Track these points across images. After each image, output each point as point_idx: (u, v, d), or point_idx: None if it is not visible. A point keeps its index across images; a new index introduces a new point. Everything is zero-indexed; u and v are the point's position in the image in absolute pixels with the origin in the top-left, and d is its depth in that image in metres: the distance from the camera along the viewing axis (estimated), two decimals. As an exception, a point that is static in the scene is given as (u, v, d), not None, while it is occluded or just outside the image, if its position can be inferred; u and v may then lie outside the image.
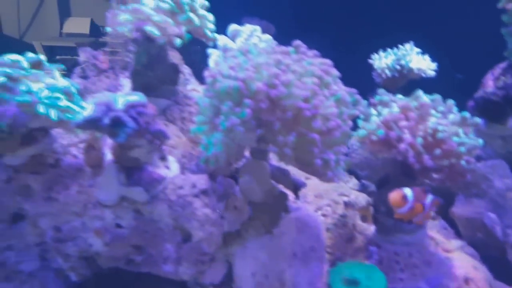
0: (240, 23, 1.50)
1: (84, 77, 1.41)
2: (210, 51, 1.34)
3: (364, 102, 0.94)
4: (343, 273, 0.87)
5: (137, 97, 0.84)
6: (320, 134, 0.81)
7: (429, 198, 0.85)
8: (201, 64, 1.36)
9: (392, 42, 1.44)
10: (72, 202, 0.96)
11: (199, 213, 0.89)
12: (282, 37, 1.48)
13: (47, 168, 0.98)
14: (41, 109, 0.86)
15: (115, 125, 0.82)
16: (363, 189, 1.20)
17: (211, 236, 0.90)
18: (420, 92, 0.88)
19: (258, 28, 1.31)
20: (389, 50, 1.37)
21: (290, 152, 0.81)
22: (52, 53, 2.28)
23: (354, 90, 0.88)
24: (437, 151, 0.81)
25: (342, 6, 1.86)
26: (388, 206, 0.97)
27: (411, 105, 0.85)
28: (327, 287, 0.90)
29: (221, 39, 1.32)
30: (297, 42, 0.90)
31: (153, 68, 1.12)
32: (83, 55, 1.44)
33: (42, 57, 0.93)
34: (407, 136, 0.83)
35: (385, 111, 0.92)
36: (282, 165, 1.16)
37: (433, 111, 0.86)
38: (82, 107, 0.92)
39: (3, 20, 2.36)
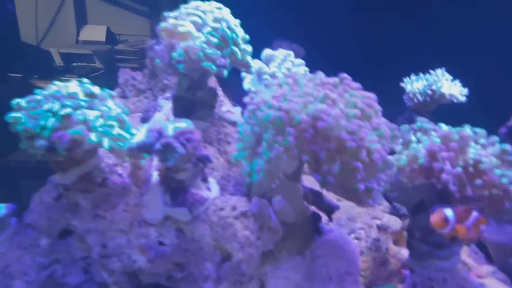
0: (271, 46, 1.55)
1: (124, 97, 1.47)
2: (243, 74, 1.39)
3: (406, 127, 0.97)
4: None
5: (185, 124, 0.89)
6: (363, 164, 0.84)
7: (473, 216, 0.85)
8: (234, 86, 1.41)
9: (423, 65, 1.47)
10: (118, 219, 1.01)
11: (240, 235, 0.93)
12: (312, 60, 1.53)
13: (95, 186, 1.04)
14: (94, 138, 0.91)
15: (166, 151, 0.86)
16: (394, 211, 1.21)
17: (250, 258, 0.94)
18: (466, 126, 0.91)
19: (291, 53, 1.36)
20: (420, 74, 1.40)
21: (333, 180, 0.85)
22: (69, 60, 2.36)
23: (395, 126, 0.91)
24: (478, 182, 0.83)
25: (372, 28, 1.90)
26: (423, 232, 1.00)
27: (453, 136, 0.87)
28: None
29: (255, 63, 1.36)
30: (343, 75, 0.94)
31: (194, 93, 1.17)
32: (123, 76, 1.51)
33: (96, 88, 0.99)
34: (448, 167, 0.85)
35: (424, 139, 0.94)
36: (315, 186, 1.20)
37: (472, 143, 0.89)
38: (132, 134, 0.98)
39: (21, 27, 2.39)
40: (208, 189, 0.99)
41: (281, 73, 1.30)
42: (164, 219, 0.97)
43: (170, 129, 0.88)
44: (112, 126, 0.96)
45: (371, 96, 0.94)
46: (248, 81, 1.34)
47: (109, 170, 1.07)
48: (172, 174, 0.92)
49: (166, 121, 0.91)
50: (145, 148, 0.89)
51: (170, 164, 0.87)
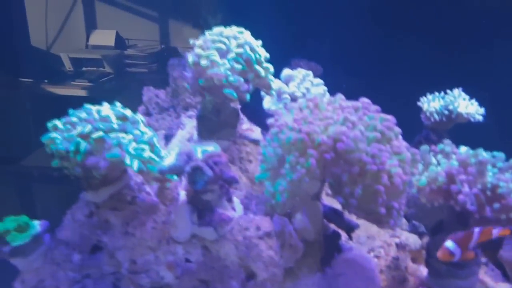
0: (289, 65, 1.59)
1: (148, 114, 1.53)
2: (263, 93, 1.44)
3: (426, 148, 1.00)
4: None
5: (213, 148, 0.94)
6: (385, 187, 0.87)
7: (474, 237, 0.87)
8: (254, 105, 1.45)
9: (439, 84, 1.49)
10: (147, 237, 1.05)
11: (264, 254, 0.96)
12: (329, 78, 1.57)
13: (125, 205, 1.09)
14: (128, 160, 0.97)
15: (195, 173, 0.91)
16: (413, 229, 1.24)
17: (274, 277, 0.97)
18: (481, 150, 0.93)
19: (310, 72, 1.40)
20: (436, 93, 1.42)
21: (355, 202, 0.88)
22: (78, 65, 2.38)
23: (415, 151, 0.94)
24: (496, 205, 0.85)
25: (389, 47, 1.94)
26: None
27: (470, 160, 0.90)
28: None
29: (275, 83, 1.41)
30: (363, 99, 0.98)
31: (218, 114, 1.22)
32: (147, 94, 1.57)
33: (128, 111, 1.05)
34: (466, 189, 0.88)
35: (443, 162, 0.97)
36: (335, 205, 1.23)
37: (490, 167, 0.91)
38: (161, 157, 1.02)
39: (31, 32, 2.40)
40: (233, 209, 1.03)
41: (300, 93, 1.34)
42: (191, 237, 1.02)
43: (199, 153, 0.92)
44: (143, 150, 1.01)
45: (390, 118, 0.97)
46: (268, 100, 1.39)
47: (137, 189, 1.12)
48: (199, 195, 0.97)
49: (195, 144, 0.95)
50: (175, 171, 0.93)
51: (200, 187, 0.92)
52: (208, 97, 1.17)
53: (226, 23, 1.41)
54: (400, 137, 0.94)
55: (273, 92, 1.22)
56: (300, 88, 1.35)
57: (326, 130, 0.91)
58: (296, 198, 0.95)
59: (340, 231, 1.17)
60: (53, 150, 0.99)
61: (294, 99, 1.34)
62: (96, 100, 1.08)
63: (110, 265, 1.10)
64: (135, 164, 0.98)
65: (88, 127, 0.98)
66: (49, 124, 1.02)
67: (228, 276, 0.99)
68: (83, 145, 0.95)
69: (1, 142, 2.27)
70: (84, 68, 2.38)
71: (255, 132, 1.38)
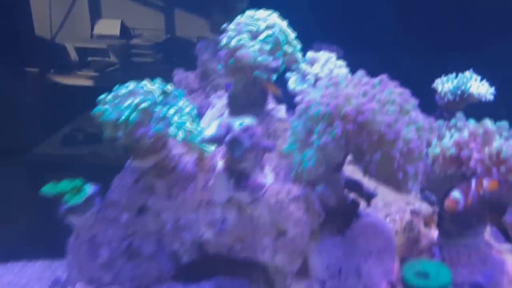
0: (311, 47, 1.69)
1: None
2: (288, 74, 1.55)
3: (440, 123, 1.12)
4: (415, 267, 1.04)
5: (249, 120, 1.06)
6: (401, 153, 0.99)
7: (472, 185, 0.98)
8: (279, 86, 1.56)
9: (453, 65, 1.59)
10: (188, 200, 1.19)
11: (294, 215, 1.09)
12: (350, 60, 1.66)
13: (167, 172, 1.23)
14: (172, 132, 1.10)
15: (234, 143, 1.04)
16: (425, 198, 1.35)
17: (302, 234, 1.11)
18: (487, 120, 1.04)
19: (333, 55, 1.51)
20: (449, 76, 1.52)
21: (375, 169, 1.00)
22: (84, 55, 2.37)
23: (432, 120, 1.05)
24: (502, 168, 0.97)
25: (405, 28, 2.02)
26: (453, 215, 1.14)
27: (479, 131, 1.01)
28: (398, 280, 1.08)
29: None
30: (382, 76, 1.09)
31: (248, 93, 1.34)
32: (177, 76, 1.70)
33: (169, 86, 1.17)
34: (476, 155, 1.00)
35: (456, 135, 1.08)
36: (355, 176, 1.35)
37: (497, 136, 1.02)
38: (200, 128, 1.15)
39: (35, 22, 2.34)
40: (265, 176, 1.15)
41: (323, 74, 1.45)
42: (227, 200, 1.15)
43: (237, 125, 1.05)
44: (185, 122, 1.14)
45: (406, 91, 1.08)
46: (292, 81, 1.50)
47: (178, 158, 1.25)
48: (236, 163, 1.09)
49: (233, 118, 1.08)
50: (215, 140, 1.06)
51: (237, 155, 1.05)
52: (239, 77, 1.29)
53: (252, 8, 1.52)
54: (417, 107, 1.05)
55: (302, 66, 1.32)
56: (324, 69, 1.46)
57: (349, 103, 1.02)
58: (321, 166, 1.07)
59: (359, 199, 1.29)
60: (103, 121, 1.12)
61: (317, 80, 1.45)
62: (102, 90, 1.16)
63: (154, 224, 1.24)
64: (180, 135, 1.11)
65: (136, 100, 1.11)
66: (98, 98, 1.15)
67: (261, 233, 1.13)
68: (133, 115, 1.08)
69: (8, 132, 2.29)
70: (89, 58, 2.37)
71: (281, 111, 1.50)
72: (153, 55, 2.44)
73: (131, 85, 1.17)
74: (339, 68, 1.48)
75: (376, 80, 1.10)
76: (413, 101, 1.07)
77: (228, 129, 1.05)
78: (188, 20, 2.57)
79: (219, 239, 1.16)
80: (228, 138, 1.04)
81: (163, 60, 2.48)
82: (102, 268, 1.21)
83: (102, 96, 1.14)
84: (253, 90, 1.34)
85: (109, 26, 2.45)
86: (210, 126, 1.11)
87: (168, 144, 1.23)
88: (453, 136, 1.12)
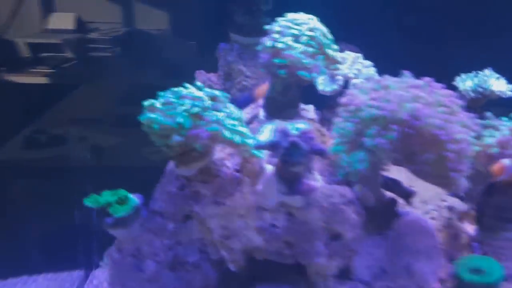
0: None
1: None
2: (314, 75, 1.56)
3: (487, 122, 1.16)
4: (467, 264, 1.09)
5: (303, 125, 1.07)
6: (453, 154, 1.02)
7: None
8: (306, 87, 1.56)
9: (470, 63, 1.64)
10: (236, 205, 1.18)
11: (350, 218, 1.11)
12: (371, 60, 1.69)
13: (212, 177, 1.21)
14: (227, 134, 1.09)
15: (292, 148, 1.04)
16: (456, 194, 1.40)
17: (357, 236, 1.13)
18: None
19: (359, 55, 1.53)
20: (469, 74, 1.58)
21: (427, 169, 1.03)
22: (37, 51, 2.19)
23: (476, 119, 1.09)
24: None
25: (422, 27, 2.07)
26: (495, 210, 1.19)
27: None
28: (449, 277, 1.12)
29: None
30: (427, 79, 1.11)
31: (285, 95, 1.34)
32: (199, 77, 1.67)
33: (217, 92, 1.15)
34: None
35: (497, 134, 1.13)
36: (392, 175, 1.38)
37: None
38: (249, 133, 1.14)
39: None
40: (315, 179, 1.16)
41: (352, 74, 1.47)
42: (278, 205, 1.15)
43: (293, 130, 1.05)
44: (236, 125, 1.13)
45: (452, 93, 1.12)
46: (321, 82, 1.51)
47: (220, 163, 1.24)
48: (290, 168, 1.09)
49: (286, 123, 1.08)
50: (272, 146, 1.06)
51: (293, 160, 1.05)
52: (279, 78, 1.28)
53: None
54: (461, 109, 1.09)
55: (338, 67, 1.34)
56: (352, 69, 1.47)
57: (402, 107, 1.04)
58: (372, 168, 1.09)
59: (397, 198, 1.33)
60: (155, 129, 1.10)
61: (347, 80, 1.46)
62: (59, 87, 1.08)
63: (199, 232, 1.23)
64: (238, 138, 1.10)
65: (187, 105, 1.09)
66: (146, 103, 1.12)
67: (313, 237, 1.13)
68: (188, 120, 1.06)
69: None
70: (43, 54, 2.22)
71: (310, 111, 1.50)
72: (112, 49, 2.36)
73: (177, 91, 1.15)
74: (367, 68, 1.50)
75: (422, 82, 1.12)
76: (459, 102, 1.10)
77: (284, 134, 1.05)
78: (148, 13, 2.51)
79: (268, 245, 1.16)
80: (286, 143, 1.04)
81: (122, 54, 2.42)
82: (148, 282, 1.19)
83: (147, 103, 1.11)
84: (291, 91, 1.34)
85: (63, 20, 2.34)
86: (262, 132, 1.10)
87: (213, 149, 1.21)
88: (493, 135, 1.16)
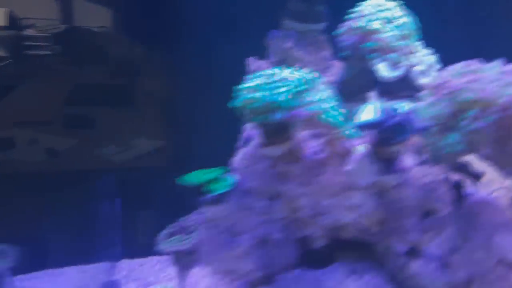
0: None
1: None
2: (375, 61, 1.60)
3: None
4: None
5: (407, 105, 1.10)
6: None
7: None
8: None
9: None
10: (325, 185, 1.20)
11: (443, 196, 1.16)
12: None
13: (300, 158, 1.22)
14: (324, 115, 1.10)
15: (396, 128, 1.07)
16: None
17: (449, 214, 1.19)
18: None
19: (419, 43, 1.58)
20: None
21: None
22: None
23: None
24: None
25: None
26: None
27: None
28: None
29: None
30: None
31: (359, 78, 1.37)
32: (252, 65, 1.65)
33: (314, 73, 1.16)
34: None
35: None
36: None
37: None
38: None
39: None
40: (408, 159, 1.20)
41: (415, 62, 1.52)
42: (371, 184, 1.18)
43: (398, 110, 1.08)
44: (332, 107, 1.14)
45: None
46: (383, 68, 1.54)
47: (309, 143, 1.25)
48: (388, 147, 1.13)
49: (388, 103, 1.11)
50: (375, 125, 1.09)
51: (396, 139, 1.08)
52: (357, 60, 1.31)
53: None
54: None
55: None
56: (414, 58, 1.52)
57: (503, 91, 1.10)
58: (471, 149, 1.14)
59: (466, 178, 1.40)
60: (255, 107, 1.09)
61: (411, 67, 1.51)
62: None
63: (287, 210, 1.24)
64: (332, 119, 1.11)
65: (291, 86, 1.09)
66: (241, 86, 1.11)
67: (406, 215, 1.18)
68: (290, 100, 1.06)
69: None
70: None
71: (373, 96, 1.54)
72: (50, 47, 2.24)
73: (273, 73, 1.15)
74: (427, 56, 1.55)
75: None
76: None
77: (390, 113, 1.08)
78: (88, 9, 2.44)
79: (357, 223, 1.19)
80: (391, 122, 1.07)
81: (62, 52, 2.29)
82: (239, 258, 1.19)
83: (252, 82, 1.10)
84: (365, 75, 1.37)
85: (-7, 16, 2.13)
86: (364, 111, 1.13)
87: (298, 131, 1.22)
88: None
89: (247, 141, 1.32)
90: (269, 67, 1.74)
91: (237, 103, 1.11)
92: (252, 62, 1.71)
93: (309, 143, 1.25)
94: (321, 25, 1.57)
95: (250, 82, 1.12)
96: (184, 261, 1.22)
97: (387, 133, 1.09)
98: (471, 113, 1.10)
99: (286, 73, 1.14)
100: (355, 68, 1.35)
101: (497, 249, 1.21)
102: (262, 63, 1.73)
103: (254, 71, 1.69)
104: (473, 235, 1.27)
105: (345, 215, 1.19)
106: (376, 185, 1.18)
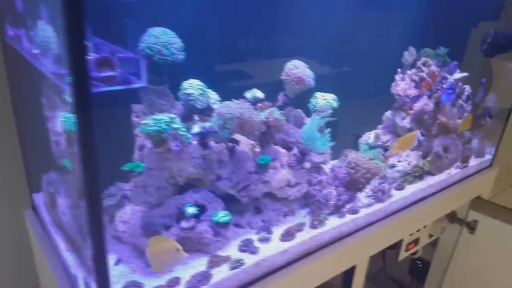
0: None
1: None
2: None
3: None
4: None
5: (208, 123, 2.85)
6: None
7: None
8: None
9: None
10: (183, 158, 2.86)
11: (225, 151, 3.02)
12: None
13: (170, 151, 2.82)
14: (179, 132, 2.73)
15: (211, 133, 2.82)
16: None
17: (228, 158, 3.06)
18: None
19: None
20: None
21: None
22: None
23: None
24: None
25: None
26: None
27: None
28: None
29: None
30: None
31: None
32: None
33: (173, 114, 2.73)
34: None
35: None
36: None
37: None
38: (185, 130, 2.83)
39: None
40: (212, 143, 2.98)
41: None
42: (200, 155, 2.91)
43: (206, 126, 2.84)
44: (182, 126, 2.78)
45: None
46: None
47: (173, 144, 2.86)
48: (204, 142, 2.87)
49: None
50: (199, 134, 2.81)
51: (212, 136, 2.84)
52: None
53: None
54: None
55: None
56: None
57: (239, 110, 2.98)
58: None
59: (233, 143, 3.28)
60: (148, 131, 2.62)
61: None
62: None
63: (168, 172, 2.84)
64: (181, 132, 2.77)
65: (165, 120, 2.65)
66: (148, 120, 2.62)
67: (212, 164, 2.98)
68: (164, 126, 2.65)
69: None
70: None
71: (197, 121, 3.23)
72: None
73: (159, 114, 2.68)
74: (213, 94, 3.30)
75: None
76: None
77: (204, 128, 2.81)
78: None
79: (194, 173, 2.93)
80: (205, 131, 2.81)
81: None
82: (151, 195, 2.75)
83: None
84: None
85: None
86: (194, 128, 2.82)
87: (170, 139, 2.81)
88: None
89: (143, 146, 2.79)
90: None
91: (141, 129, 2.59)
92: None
93: (173, 144, 2.84)
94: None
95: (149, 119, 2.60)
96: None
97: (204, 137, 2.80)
98: (228, 121, 2.95)
99: (161, 116, 2.67)
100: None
101: (245, 168, 3.17)
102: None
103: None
104: (237, 164, 3.20)
105: (191, 171, 2.88)
106: (202, 157, 2.90)
